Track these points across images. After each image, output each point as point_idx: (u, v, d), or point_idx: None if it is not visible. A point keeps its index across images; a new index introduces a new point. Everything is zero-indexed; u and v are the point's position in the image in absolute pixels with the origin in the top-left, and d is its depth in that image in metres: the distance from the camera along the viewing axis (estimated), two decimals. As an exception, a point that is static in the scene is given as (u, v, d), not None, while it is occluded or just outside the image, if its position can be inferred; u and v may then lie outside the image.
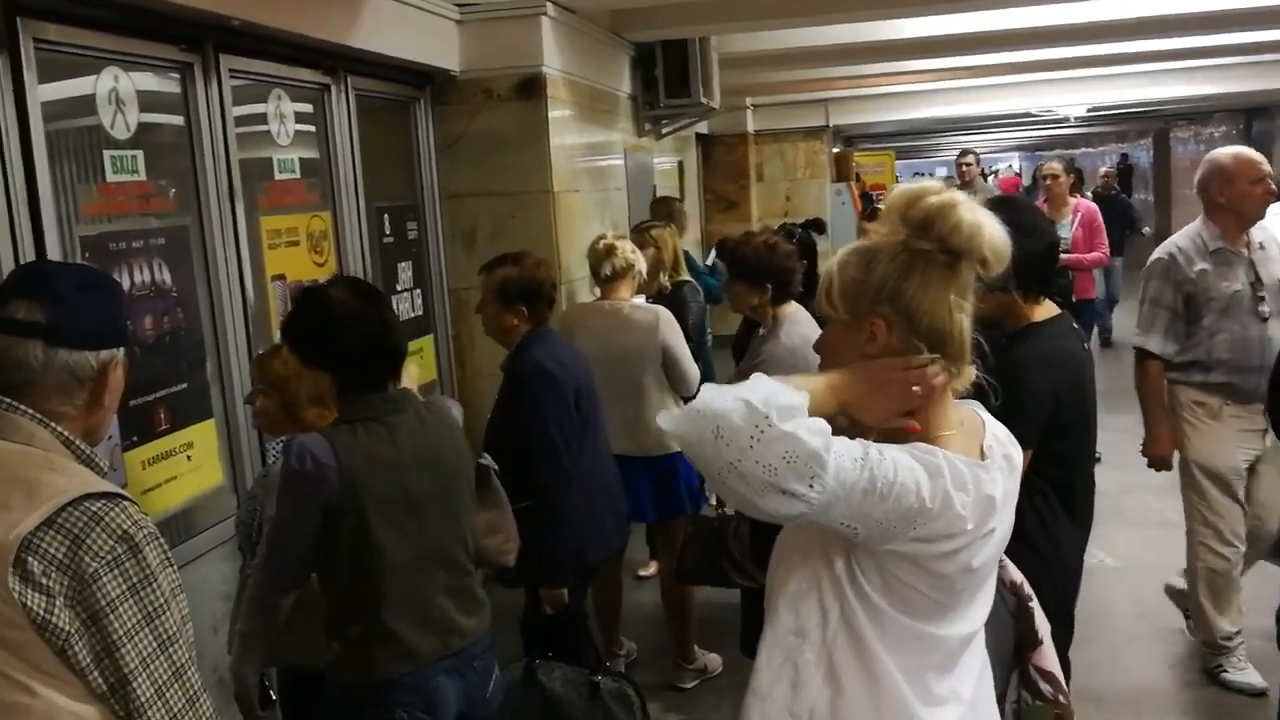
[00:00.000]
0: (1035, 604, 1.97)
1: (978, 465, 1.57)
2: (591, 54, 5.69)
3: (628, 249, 4.37)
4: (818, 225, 10.85)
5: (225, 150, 3.47)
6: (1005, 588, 1.94)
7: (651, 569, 5.35)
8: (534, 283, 3.57)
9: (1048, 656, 1.95)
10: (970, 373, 1.64)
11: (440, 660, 2.43)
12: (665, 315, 4.32)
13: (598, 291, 4.54)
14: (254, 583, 2.70)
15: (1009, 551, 1.78)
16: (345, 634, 2.38)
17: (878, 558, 1.55)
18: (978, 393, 1.70)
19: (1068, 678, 2.25)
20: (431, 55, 4.71)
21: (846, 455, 1.44)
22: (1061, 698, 1.93)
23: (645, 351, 4.25)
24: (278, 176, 3.87)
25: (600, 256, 4.33)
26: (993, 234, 1.56)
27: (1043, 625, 1.97)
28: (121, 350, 1.69)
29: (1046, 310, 2.72)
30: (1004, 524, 1.62)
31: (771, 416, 1.38)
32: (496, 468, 2.83)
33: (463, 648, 2.49)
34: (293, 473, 2.29)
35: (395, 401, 2.43)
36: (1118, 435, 7.43)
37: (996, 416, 1.73)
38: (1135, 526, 5.75)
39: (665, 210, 5.99)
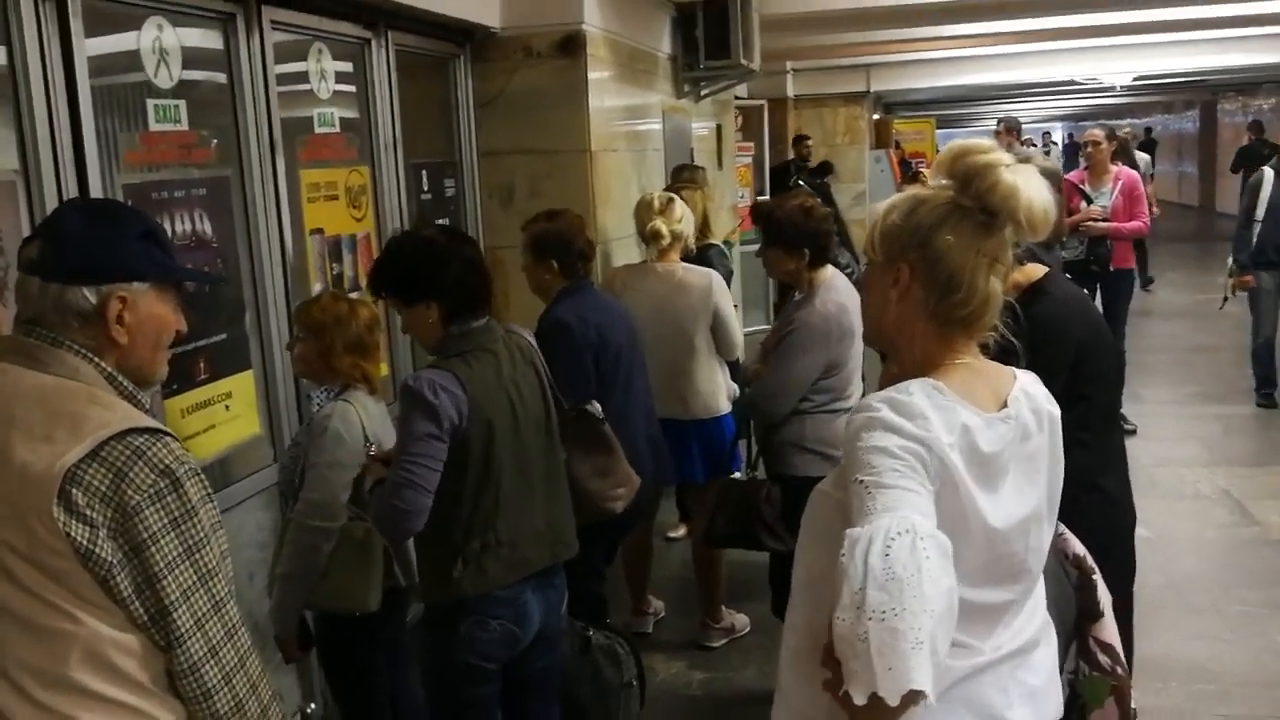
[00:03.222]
0: (1098, 576, 1.96)
1: (976, 414, 1.54)
2: (632, 13, 5.64)
3: (676, 216, 4.35)
4: (824, 169, 10.76)
5: (266, 102, 3.48)
6: (1067, 560, 1.93)
7: (681, 531, 5.38)
8: (565, 238, 3.59)
9: (1108, 629, 1.94)
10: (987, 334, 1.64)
11: (530, 577, 2.61)
12: (718, 279, 4.34)
13: (641, 249, 4.54)
14: (295, 526, 2.76)
15: (1069, 510, 1.78)
16: (465, 550, 2.52)
17: None
18: (1002, 354, 1.69)
19: (1129, 650, 2.20)
20: (472, 11, 4.70)
21: (898, 562, 1.29)
22: (1119, 669, 1.92)
23: (698, 315, 4.26)
24: (317, 130, 3.88)
25: (655, 234, 4.31)
26: (1030, 198, 1.54)
27: (1104, 597, 1.96)
28: (138, 285, 1.64)
29: (1039, 269, 2.67)
30: (1014, 487, 1.58)
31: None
32: (601, 414, 2.97)
33: (553, 564, 2.68)
34: (427, 406, 2.41)
35: (493, 331, 2.63)
36: (1152, 408, 7.41)
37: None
38: (1169, 499, 5.70)
39: (677, 180, 5.77)
